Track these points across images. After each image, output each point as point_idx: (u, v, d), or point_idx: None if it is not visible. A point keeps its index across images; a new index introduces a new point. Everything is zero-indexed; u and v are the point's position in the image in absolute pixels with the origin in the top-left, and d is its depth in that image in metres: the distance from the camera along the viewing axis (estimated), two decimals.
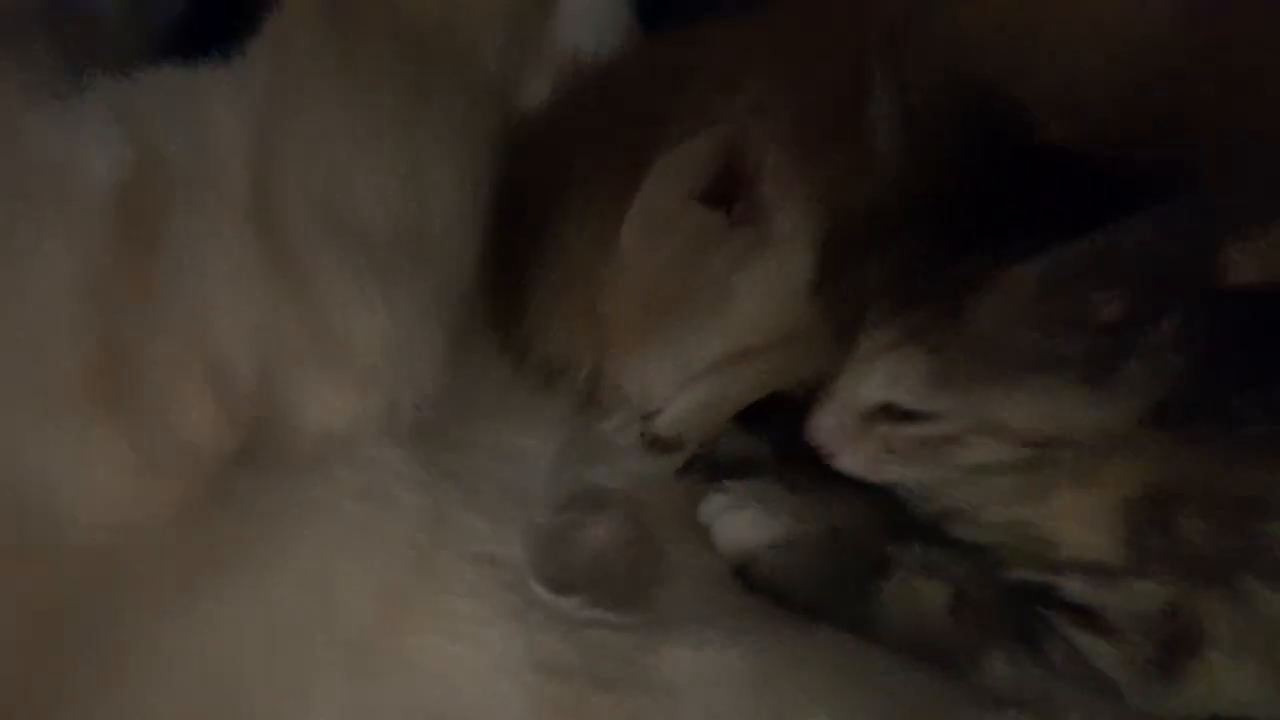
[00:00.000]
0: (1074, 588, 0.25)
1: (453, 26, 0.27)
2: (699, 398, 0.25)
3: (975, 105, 0.27)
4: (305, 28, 0.26)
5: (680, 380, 0.25)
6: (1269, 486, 0.25)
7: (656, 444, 0.25)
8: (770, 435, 0.26)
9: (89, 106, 0.26)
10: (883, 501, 0.26)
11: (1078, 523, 0.25)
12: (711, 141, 0.22)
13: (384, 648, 0.22)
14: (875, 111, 0.26)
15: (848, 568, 0.25)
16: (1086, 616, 0.25)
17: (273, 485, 0.23)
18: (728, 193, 0.23)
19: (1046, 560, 0.25)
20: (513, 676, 0.21)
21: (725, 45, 0.26)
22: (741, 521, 0.26)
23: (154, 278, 0.22)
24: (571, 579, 0.22)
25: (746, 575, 0.25)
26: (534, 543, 0.24)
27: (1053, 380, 0.24)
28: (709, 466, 0.26)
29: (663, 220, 0.23)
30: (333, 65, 0.25)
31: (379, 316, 0.23)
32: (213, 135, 0.24)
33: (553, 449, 0.26)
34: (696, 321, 0.24)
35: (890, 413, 0.24)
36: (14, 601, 0.25)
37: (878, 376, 0.24)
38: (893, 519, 0.26)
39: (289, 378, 0.23)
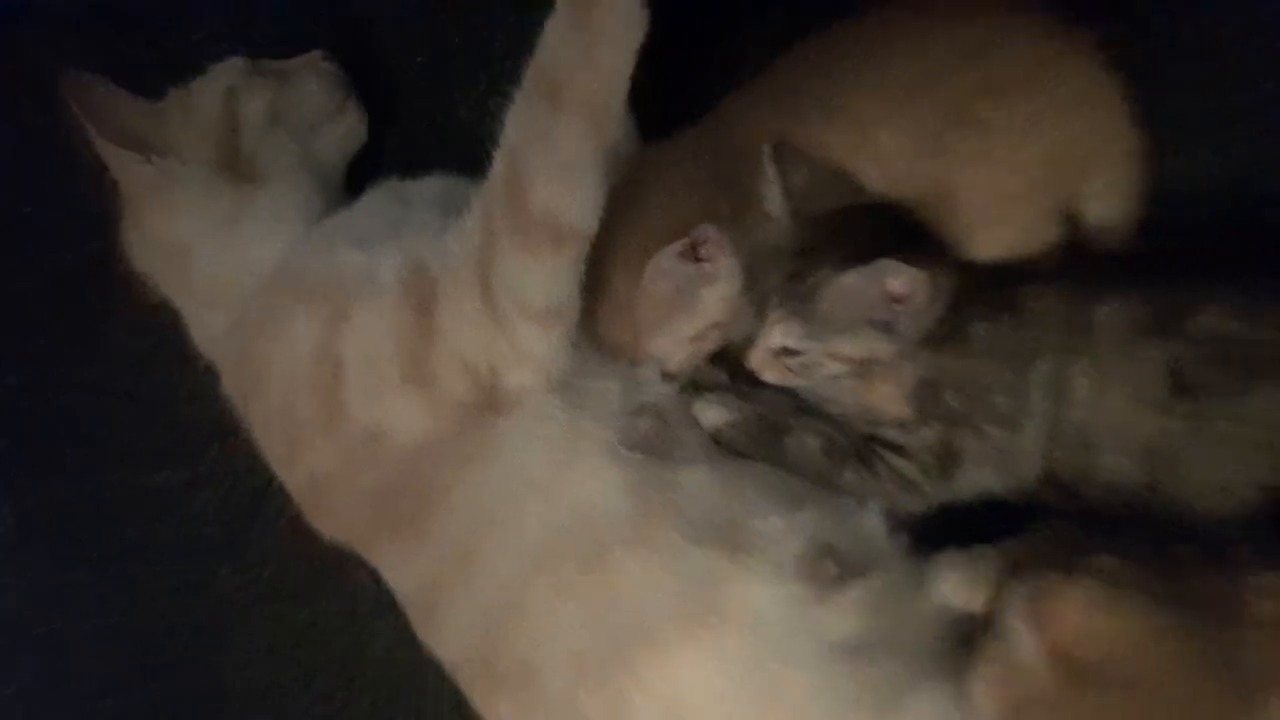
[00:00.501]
0: (889, 434, 0.47)
1: None
2: (687, 353, 0.48)
3: (827, 184, 0.49)
4: None
5: (677, 346, 0.48)
6: (988, 375, 0.47)
7: (668, 377, 0.48)
8: (725, 367, 0.49)
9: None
10: (787, 396, 0.48)
11: (887, 401, 0.47)
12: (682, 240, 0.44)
13: (552, 487, 0.46)
14: (768, 193, 0.48)
15: (769, 432, 0.48)
16: (896, 449, 0.48)
17: (498, 419, 0.47)
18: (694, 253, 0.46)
19: (874, 421, 0.48)
20: (606, 469, 0.44)
21: (675, 166, 0.49)
22: (714, 412, 0.48)
23: (430, 326, 0.46)
24: (634, 443, 0.45)
25: (717, 438, 0.48)
26: (619, 430, 0.47)
27: (865, 333, 0.46)
28: (695, 386, 0.49)
29: (660, 273, 0.45)
30: None
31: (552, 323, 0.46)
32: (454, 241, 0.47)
33: (618, 386, 0.49)
34: (684, 316, 0.47)
35: (785, 352, 0.46)
36: (361, 487, 0.49)
37: (777, 333, 0.46)
38: (793, 405, 0.49)
39: (502, 369, 0.46)
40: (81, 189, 0.55)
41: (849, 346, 0.45)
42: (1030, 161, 0.48)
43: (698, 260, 0.46)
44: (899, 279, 0.43)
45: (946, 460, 0.47)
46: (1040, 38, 0.49)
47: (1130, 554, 0.45)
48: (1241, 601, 0.44)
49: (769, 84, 0.50)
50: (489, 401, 0.45)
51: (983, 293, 0.47)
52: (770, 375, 0.47)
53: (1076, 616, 0.42)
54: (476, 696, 0.48)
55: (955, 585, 0.46)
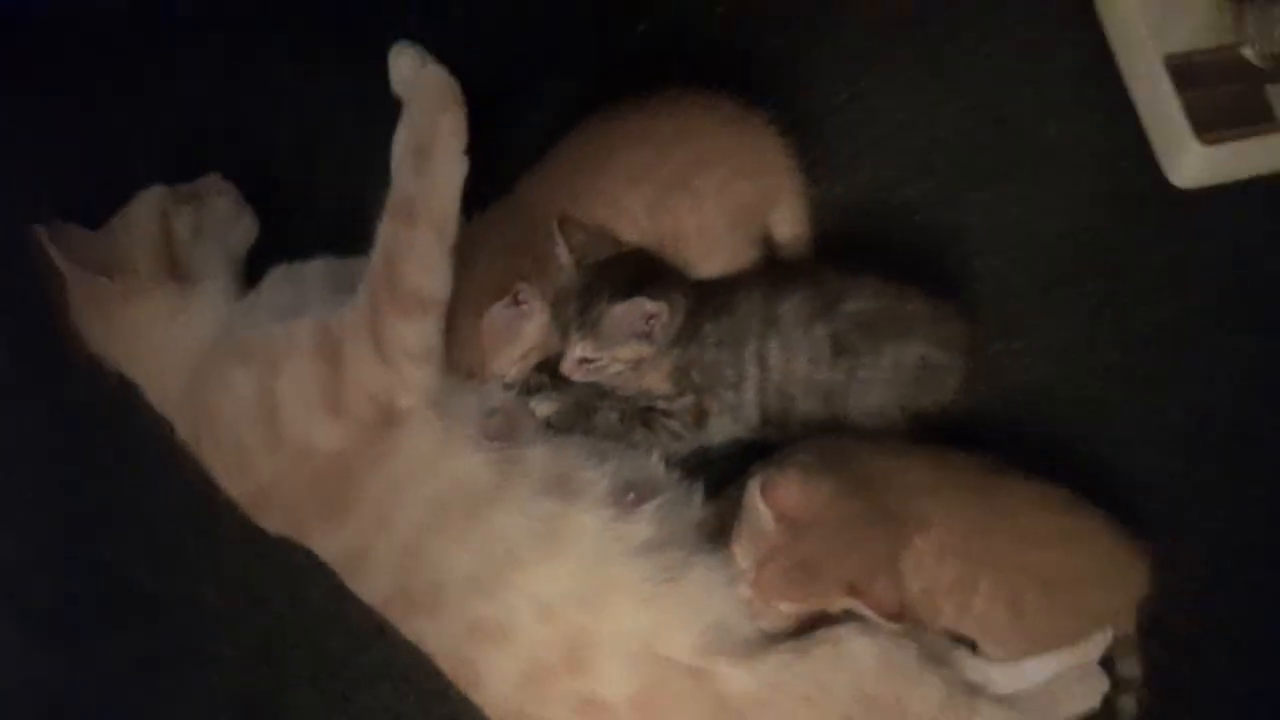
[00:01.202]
0: (660, 404, 0.71)
1: None
2: (519, 368, 0.70)
3: (597, 241, 0.71)
4: None
5: (511, 364, 0.69)
6: (718, 357, 0.70)
7: (508, 386, 0.70)
8: (546, 373, 0.71)
9: None
10: (590, 387, 0.71)
11: (656, 383, 0.71)
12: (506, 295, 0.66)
13: (437, 470, 0.67)
14: (559, 251, 0.70)
15: (582, 412, 0.71)
16: (666, 414, 0.71)
17: (395, 430, 0.67)
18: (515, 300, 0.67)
19: (649, 397, 0.71)
20: (473, 455, 0.66)
21: (491, 236, 0.70)
22: (544, 405, 0.71)
23: (340, 372, 0.66)
24: (490, 434, 0.67)
25: (548, 422, 0.70)
26: (479, 427, 0.68)
27: (633, 343, 0.68)
28: (528, 389, 0.71)
29: (494, 317, 0.67)
30: None
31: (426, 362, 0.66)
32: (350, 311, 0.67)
33: (475, 398, 0.70)
34: (513, 344, 0.68)
35: (584, 360, 0.69)
36: (297, 489, 0.69)
37: (577, 350, 0.68)
38: (596, 392, 0.71)
39: (395, 396, 0.66)
40: None
41: (624, 353, 0.68)
42: (729, 209, 0.72)
43: (518, 305, 0.68)
44: (650, 305, 0.66)
45: (699, 417, 0.71)
46: (729, 120, 0.73)
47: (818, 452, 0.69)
48: (889, 474, 0.69)
49: (547, 172, 0.72)
50: (387, 419, 0.66)
51: (709, 301, 0.71)
52: (576, 376, 0.69)
53: (789, 490, 0.66)
54: (400, 620, 0.68)
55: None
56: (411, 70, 0.64)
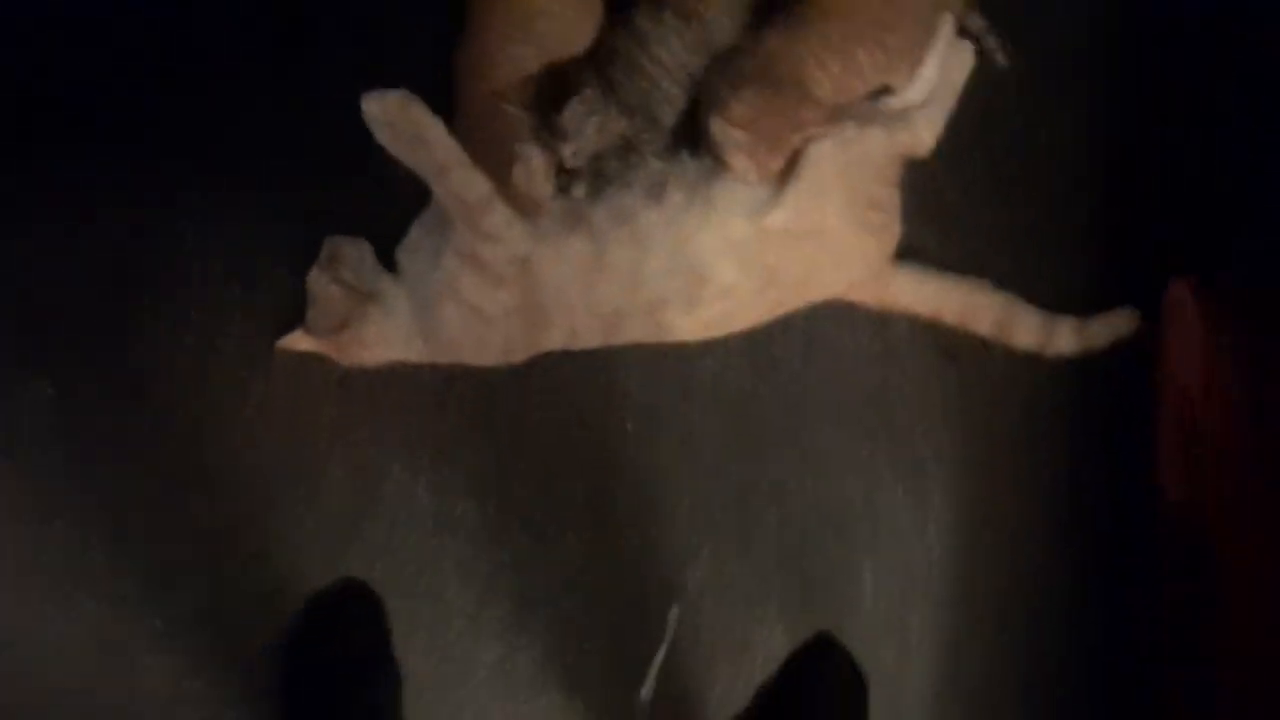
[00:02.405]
0: (632, 134, 1.09)
1: None
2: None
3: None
4: None
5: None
6: (639, 87, 1.06)
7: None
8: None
9: None
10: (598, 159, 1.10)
11: (620, 127, 1.09)
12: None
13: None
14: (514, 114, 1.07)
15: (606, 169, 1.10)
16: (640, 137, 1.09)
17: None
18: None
19: (625, 134, 1.09)
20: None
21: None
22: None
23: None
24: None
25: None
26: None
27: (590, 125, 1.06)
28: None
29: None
30: None
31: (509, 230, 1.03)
32: None
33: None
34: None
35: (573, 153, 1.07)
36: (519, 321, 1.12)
37: (566, 151, 1.07)
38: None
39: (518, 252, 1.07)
40: None
41: (590, 132, 1.05)
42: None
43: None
44: (577, 104, 1.03)
45: (653, 123, 1.07)
46: None
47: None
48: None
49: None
50: (524, 265, 1.04)
51: (602, 65, 1.06)
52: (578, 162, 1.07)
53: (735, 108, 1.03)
54: (613, 333, 1.05)
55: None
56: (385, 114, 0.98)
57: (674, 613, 1.13)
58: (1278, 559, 0.91)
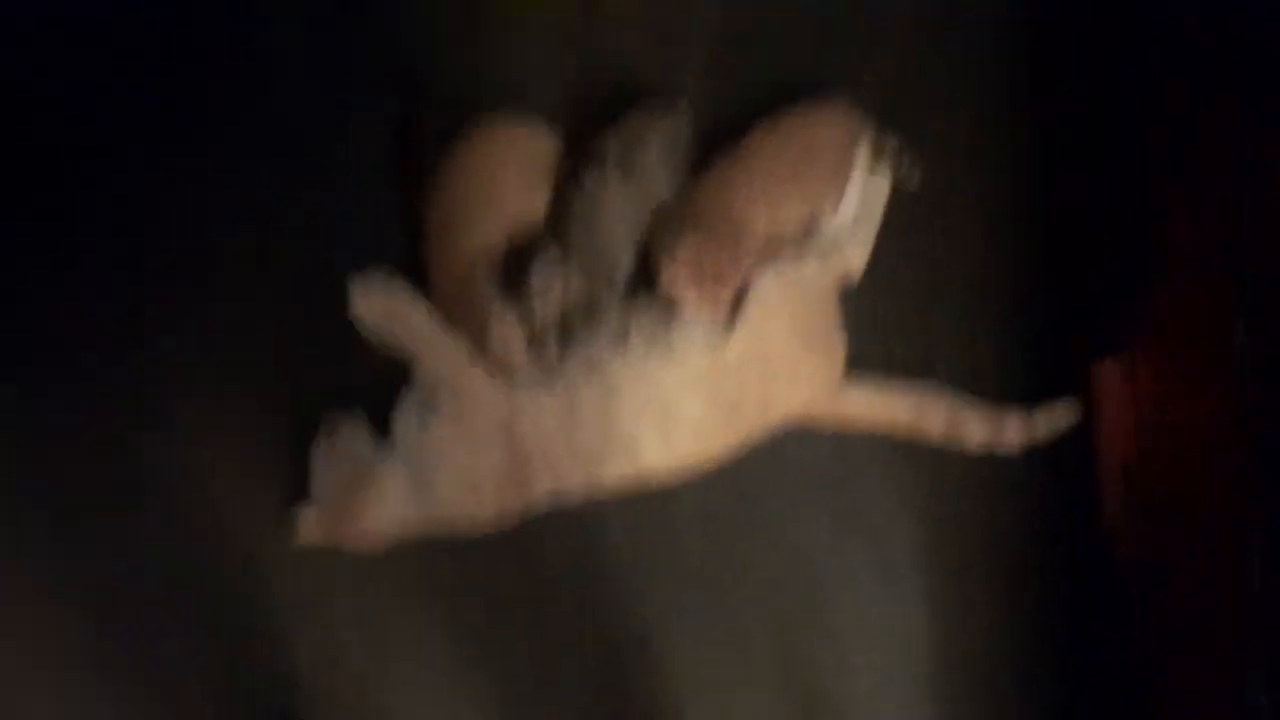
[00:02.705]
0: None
1: None
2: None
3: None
4: None
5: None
6: (592, 245, 1.18)
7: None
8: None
9: None
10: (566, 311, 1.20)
11: (580, 281, 1.20)
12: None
13: None
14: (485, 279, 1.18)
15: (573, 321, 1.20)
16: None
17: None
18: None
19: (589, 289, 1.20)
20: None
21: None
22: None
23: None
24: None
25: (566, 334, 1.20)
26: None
27: (552, 283, 1.17)
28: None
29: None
30: None
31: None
32: None
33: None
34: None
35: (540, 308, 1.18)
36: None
37: (534, 306, 1.17)
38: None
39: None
40: None
41: (553, 291, 1.16)
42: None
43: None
44: (542, 264, 1.14)
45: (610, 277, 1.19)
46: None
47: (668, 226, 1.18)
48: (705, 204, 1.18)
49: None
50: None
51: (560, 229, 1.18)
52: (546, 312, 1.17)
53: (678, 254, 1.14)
54: (595, 472, 1.13)
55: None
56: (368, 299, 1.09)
57: None
58: (1204, 596, 0.98)
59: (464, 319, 1.13)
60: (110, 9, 1.20)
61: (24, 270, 1.16)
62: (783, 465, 1.20)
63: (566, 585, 1.19)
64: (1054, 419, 1.19)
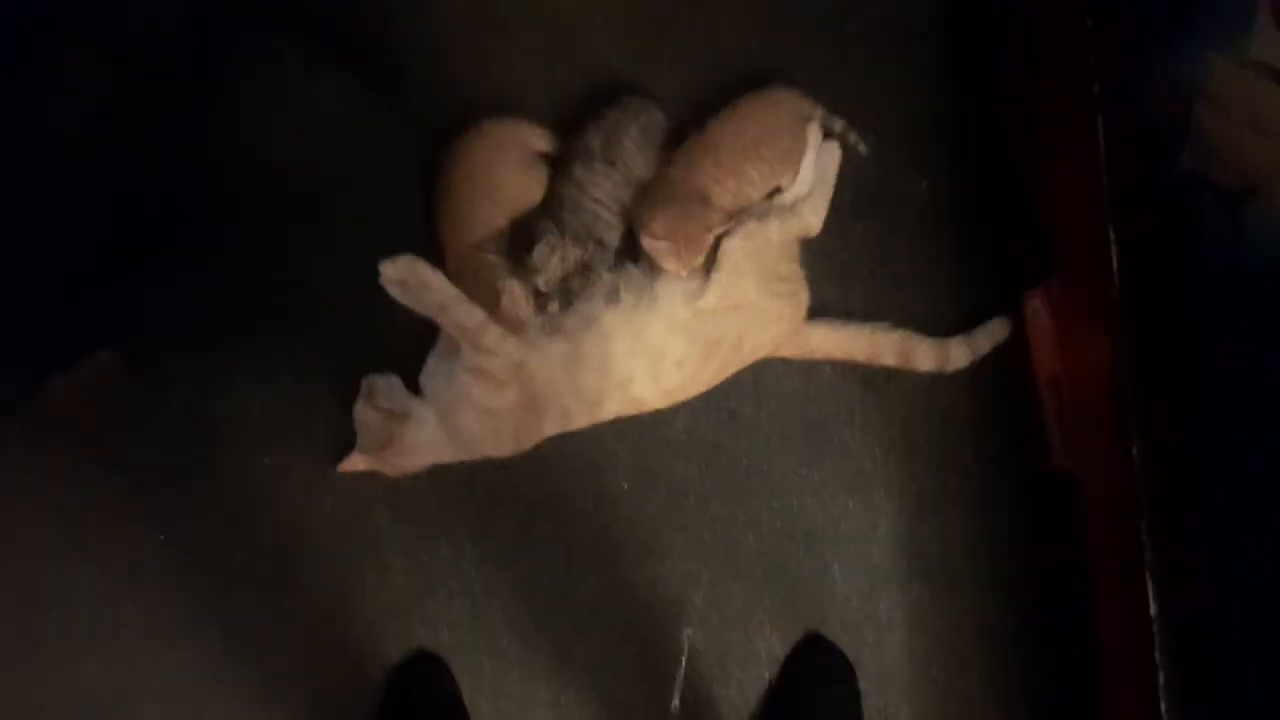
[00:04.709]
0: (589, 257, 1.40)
1: None
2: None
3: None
4: None
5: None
6: (582, 220, 1.38)
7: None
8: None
9: None
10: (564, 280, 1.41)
11: (574, 255, 1.40)
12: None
13: None
14: (493, 259, 1.38)
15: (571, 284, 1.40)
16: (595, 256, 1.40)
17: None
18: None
19: (582, 260, 1.40)
20: None
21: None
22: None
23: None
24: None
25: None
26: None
27: (554, 259, 1.37)
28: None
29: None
30: None
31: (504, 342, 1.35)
32: None
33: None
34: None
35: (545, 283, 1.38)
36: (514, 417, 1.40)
37: (540, 282, 1.37)
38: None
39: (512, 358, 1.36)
40: None
41: (554, 264, 1.36)
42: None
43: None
44: (544, 242, 1.34)
45: (600, 243, 1.38)
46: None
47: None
48: (674, 175, 1.38)
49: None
50: (519, 369, 1.35)
51: (553, 208, 1.39)
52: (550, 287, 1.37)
53: (655, 226, 1.34)
54: (592, 410, 1.33)
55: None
56: (397, 274, 1.28)
57: (687, 633, 1.38)
58: (1128, 505, 1.15)
59: (476, 289, 1.33)
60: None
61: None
62: (760, 393, 1.40)
63: (578, 493, 1.39)
64: (990, 334, 1.38)
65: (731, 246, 1.34)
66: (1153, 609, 1.09)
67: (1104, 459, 1.20)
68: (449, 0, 1.44)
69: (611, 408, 1.34)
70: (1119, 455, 1.15)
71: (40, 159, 1.26)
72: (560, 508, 1.39)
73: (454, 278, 1.30)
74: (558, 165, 1.40)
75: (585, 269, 1.36)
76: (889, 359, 1.39)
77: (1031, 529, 1.37)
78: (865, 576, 1.38)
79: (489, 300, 1.31)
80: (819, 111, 1.41)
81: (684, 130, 1.40)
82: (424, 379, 1.37)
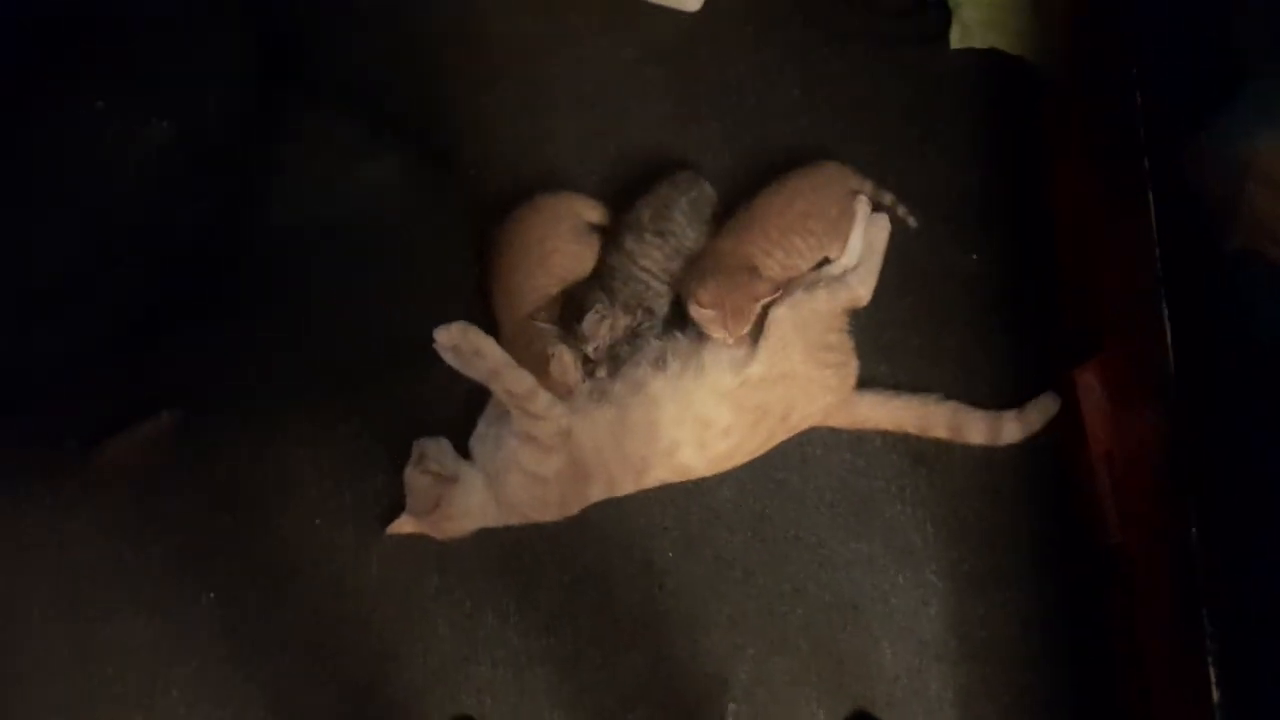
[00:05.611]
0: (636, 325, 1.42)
1: None
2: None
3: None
4: None
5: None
6: (632, 289, 1.41)
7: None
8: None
9: None
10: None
11: (624, 320, 1.42)
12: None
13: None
14: (545, 328, 1.41)
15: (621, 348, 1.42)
16: (643, 323, 1.42)
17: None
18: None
19: (631, 325, 1.42)
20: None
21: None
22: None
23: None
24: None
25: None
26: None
27: (603, 325, 1.40)
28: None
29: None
30: None
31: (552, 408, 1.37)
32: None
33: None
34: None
35: (595, 349, 1.40)
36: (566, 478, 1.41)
37: (589, 347, 1.39)
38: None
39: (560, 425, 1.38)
40: None
41: (602, 331, 1.38)
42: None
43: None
44: (594, 313, 1.37)
45: (649, 313, 1.41)
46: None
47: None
48: (723, 246, 1.41)
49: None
50: (566, 435, 1.35)
51: (603, 278, 1.42)
52: (599, 355, 1.40)
53: (703, 295, 1.36)
54: (636, 480, 1.36)
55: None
56: (450, 340, 1.31)
57: (731, 708, 1.36)
58: (1184, 584, 1.13)
59: (527, 356, 1.35)
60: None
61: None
62: (808, 463, 1.39)
63: (623, 562, 1.39)
64: (1043, 408, 1.37)
65: (779, 316, 1.35)
66: (1215, 696, 1.05)
67: (1159, 536, 1.18)
68: (507, 81, 1.49)
69: (658, 475, 1.35)
70: (1175, 532, 1.13)
71: (113, 226, 1.30)
72: (605, 577, 1.39)
73: (506, 345, 1.33)
74: (609, 236, 1.43)
75: (634, 335, 1.38)
76: (940, 431, 1.39)
77: (1086, 608, 1.34)
78: (915, 654, 1.35)
79: (539, 368, 1.34)
80: (868, 185, 1.44)
81: (733, 204, 1.42)
82: (473, 443, 1.39)
